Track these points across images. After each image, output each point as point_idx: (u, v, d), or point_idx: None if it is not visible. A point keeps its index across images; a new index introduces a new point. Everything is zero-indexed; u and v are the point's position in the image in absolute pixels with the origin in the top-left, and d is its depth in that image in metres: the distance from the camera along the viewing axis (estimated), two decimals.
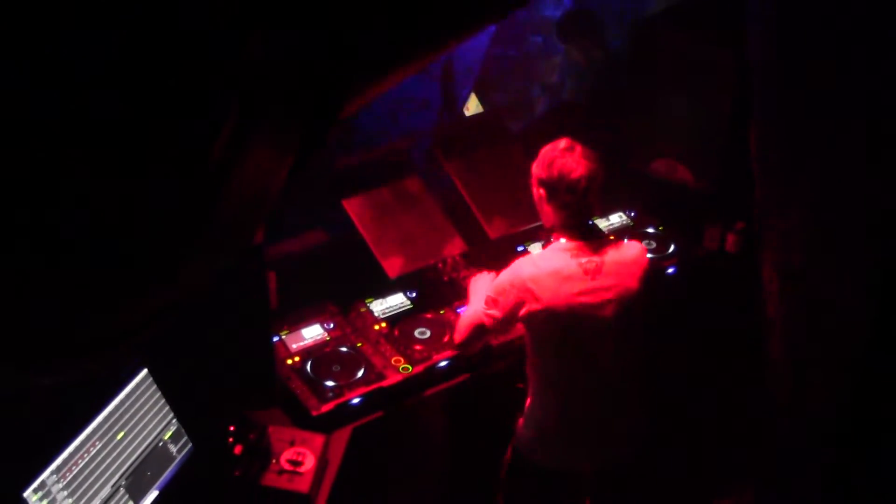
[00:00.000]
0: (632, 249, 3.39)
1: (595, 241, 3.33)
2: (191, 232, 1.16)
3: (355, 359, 3.72)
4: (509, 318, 3.33)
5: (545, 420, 3.43)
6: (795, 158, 3.33)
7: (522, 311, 3.27)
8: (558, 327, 3.27)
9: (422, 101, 5.88)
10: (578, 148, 3.25)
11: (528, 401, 3.48)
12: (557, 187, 3.24)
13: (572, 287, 3.23)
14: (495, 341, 3.82)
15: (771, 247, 3.52)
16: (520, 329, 3.43)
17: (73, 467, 2.69)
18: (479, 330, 3.46)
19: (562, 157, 3.24)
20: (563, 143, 3.28)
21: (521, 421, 3.52)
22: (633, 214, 4.82)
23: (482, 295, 3.50)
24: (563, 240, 3.31)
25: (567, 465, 3.52)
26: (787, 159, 3.39)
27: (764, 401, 3.56)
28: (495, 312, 3.35)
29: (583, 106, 5.51)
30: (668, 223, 4.75)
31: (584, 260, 3.26)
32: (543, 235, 3.43)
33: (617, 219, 4.78)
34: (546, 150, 3.31)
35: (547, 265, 3.26)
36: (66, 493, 2.64)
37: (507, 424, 3.61)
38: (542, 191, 3.31)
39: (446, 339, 3.84)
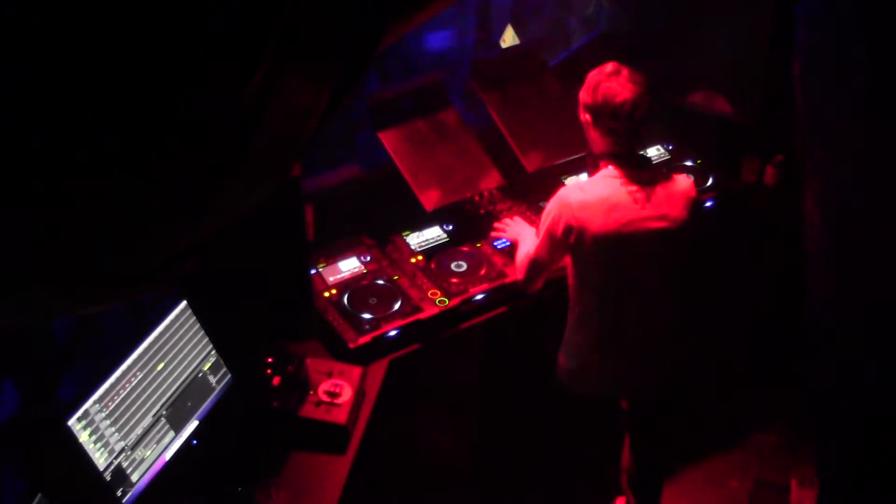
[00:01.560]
0: (681, 181, 3.34)
1: (644, 170, 3.29)
2: (229, 163, 1.13)
3: (392, 291, 3.71)
4: (559, 246, 3.30)
5: (586, 349, 3.42)
6: (840, 87, 3.24)
7: (571, 238, 3.24)
8: (605, 255, 3.24)
9: (458, 33, 5.80)
10: (625, 72, 3.18)
11: (568, 332, 3.47)
12: (602, 112, 3.18)
13: (621, 215, 3.19)
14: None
15: (813, 179, 3.45)
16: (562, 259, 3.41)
17: (115, 397, 2.71)
18: (535, 263, 3.44)
19: (607, 80, 3.18)
20: (609, 66, 3.21)
21: (561, 351, 3.51)
22: (670, 147, 4.74)
23: (528, 232, 3.48)
24: (610, 167, 3.27)
25: (608, 395, 3.53)
26: (831, 88, 3.30)
27: (802, 337, 3.52)
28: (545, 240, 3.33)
29: (619, 37, 5.41)
30: (706, 156, 4.67)
31: (633, 188, 3.21)
32: (590, 162, 3.39)
33: (654, 152, 4.71)
34: (592, 74, 3.25)
35: (595, 191, 3.22)
36: (108, 421, 2.67)
37: (543, 357, 3.60)
38: (587, 116, 3.26)
39: (483, 271, 3.82)
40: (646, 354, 3.41)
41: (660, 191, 3.25)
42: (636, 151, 3.30)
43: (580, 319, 3.41)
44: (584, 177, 4.15)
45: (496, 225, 3.99)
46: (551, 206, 3.29)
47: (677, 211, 3.26)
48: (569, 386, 3.50)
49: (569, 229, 3.22)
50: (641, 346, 3.40)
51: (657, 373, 3.48)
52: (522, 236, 3.65)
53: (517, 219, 3.93)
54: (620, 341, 3.38)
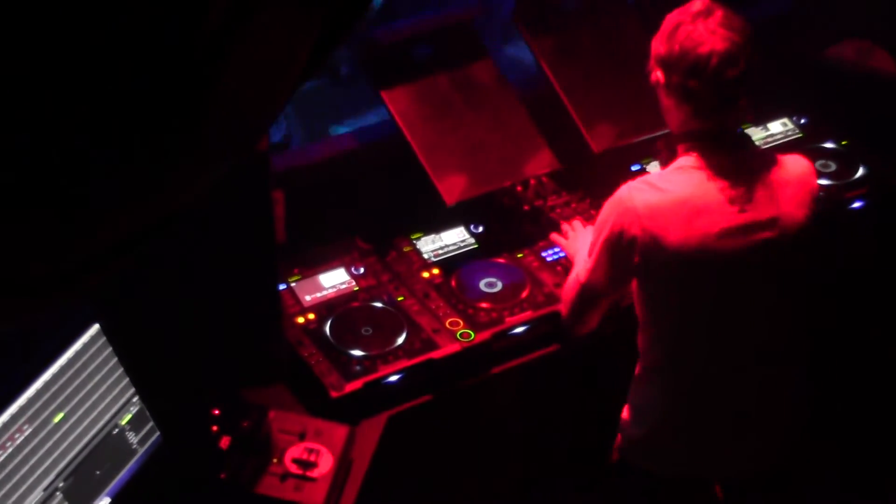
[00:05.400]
0: (796, 167, 3.32)
1: (741, 153, 3.28)
2: (174, 130, 1.15)
3: (394, 318, 3.72)
4: (620, 270, 3.30)
5: (663, 412, 3.42)
6: None
7: (636, 258, 3.23)
8: (688, 281, 3.24)
9: None
10: (719, 13, 3.13)
11: (639, 386, 3.47)
12: (678, 67, 3.15)
13: (711, 222, 3.17)
14: None
15: None
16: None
17: None
18: (585, 292, 3.43)
19: (691, 23, 3.13)
20: (697, 3, 3.18)
21: (627, 413, 3.51)
22: (802, 122, 4.73)
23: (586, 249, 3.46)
24: (691, 156, 3.25)
25: (691, 473, 3.53)
26: None
27: None
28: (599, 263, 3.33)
29: None
30: (854, 135, 4.66)
31: (724, 183, 3.20)
32: (662, 146, 3.36)
33: (779, 127, 4.69)
34: (672, 15, 3.21)
35: (673, 190, 3.20)
36: None
37: (608, 418, 3.61)
38: (659, 72, 3.23)
39: (525, 293, 3.82)
40: (746, 420, 3.41)
41: (764, 184, 3.23)
42: (731, 128, 3.28)
43: (652, 371, 3.41)
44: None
45: (553, 236, 3.98)
46: (607, 212, 3.27)
47: (791, 211, 3.24)
48: (636, 460, 3.51)
49: (632, 245, 3.20)
50: (738, 408, 3.39)
51: (759, 445, 3.48)
52: (581, 255, 3.60)
53: (586, 227, 3.89)
54: (708, 402, 3.38)
